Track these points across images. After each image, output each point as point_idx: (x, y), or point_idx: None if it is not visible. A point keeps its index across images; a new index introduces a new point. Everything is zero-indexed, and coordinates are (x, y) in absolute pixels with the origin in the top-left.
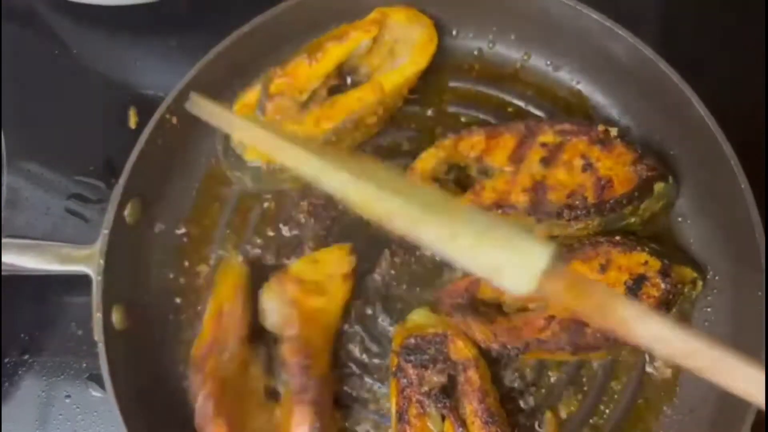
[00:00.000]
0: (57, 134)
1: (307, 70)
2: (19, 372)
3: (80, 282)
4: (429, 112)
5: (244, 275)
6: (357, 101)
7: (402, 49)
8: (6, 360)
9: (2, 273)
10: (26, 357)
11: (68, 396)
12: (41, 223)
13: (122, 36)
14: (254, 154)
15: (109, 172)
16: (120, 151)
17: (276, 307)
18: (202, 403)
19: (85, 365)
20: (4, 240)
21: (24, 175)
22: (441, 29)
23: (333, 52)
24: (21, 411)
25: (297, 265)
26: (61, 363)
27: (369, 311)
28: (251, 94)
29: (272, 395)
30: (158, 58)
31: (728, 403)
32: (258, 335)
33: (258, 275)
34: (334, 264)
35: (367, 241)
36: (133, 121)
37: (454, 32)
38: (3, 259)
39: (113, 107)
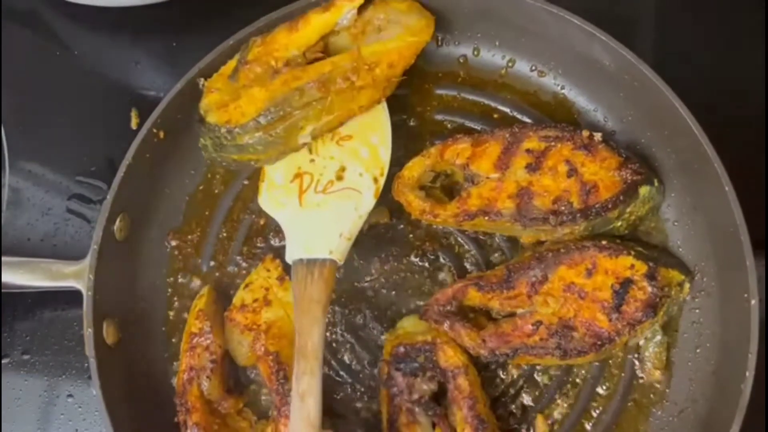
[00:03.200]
0: (58, 135)
1: (286, 39)
2: (20, 372)
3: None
4: (415, 120)
5: (211, 302)
6: (329, 64)
7: (392, 29)
8: (7, 360)
9: None
10: (27, 357)
11: (70, 395)
12: (42, 224)
13: (123, 37)
14: (215, 117)
15: (110, 173)
16: (121, 152)
17: (237, 339)
18: None
19: (86, 365)
20: None
21: (25, 176)
22: None
23: (314, 21)
24: (22, 411)
25: (236, 296)
26: (63, 362)
27: (359, 319)
28: (230, 65)
29: (262, 415)
30: (159, 59)
31: (718, 405)
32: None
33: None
34: (264, 276)
35: (358, 249)
36: (134, 122)
37: (438, 40)
38: None
39: (114, 108)
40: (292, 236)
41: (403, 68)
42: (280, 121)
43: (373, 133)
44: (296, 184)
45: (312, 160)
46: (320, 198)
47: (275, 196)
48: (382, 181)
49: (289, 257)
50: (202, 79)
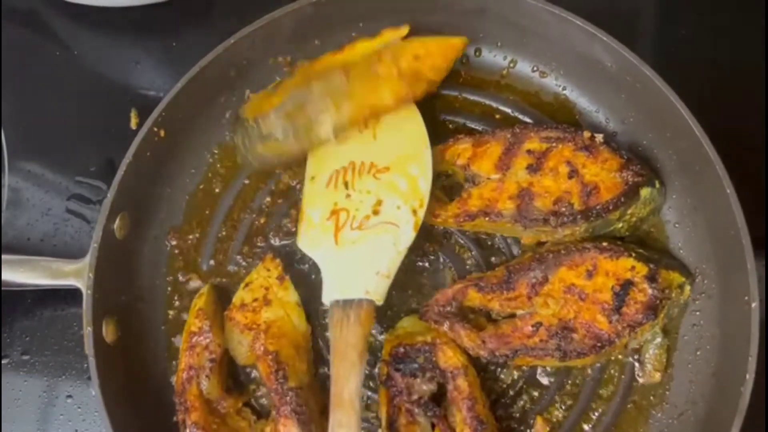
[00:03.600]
0: (58, 135)
1: (330, 60)
2: (20, 372)
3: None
4: None
5: (211, 301)
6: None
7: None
8: (6, 360)
9: None
10: (27, 357)
11: (69, 396)
12: (42, 224)
13: (123, 37)
14: (247, 113)
15: (109, 173)
16: (121, 152)
17: (236, 338)
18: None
19: (86, 365)
20: None
21: (25, 176)
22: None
23: (359, 47)
24: (21, 411)
25: (236, 296)
26: (63, 363)
27: None
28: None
29: (261, 415)
30: (159, 59)
31: (717, 407)
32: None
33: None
34: (264, 276)
35: None
36: (134, 122)
37: None
38: None
39: (114, 108)
40: (328, 276)
41: (432, 68)
42: (300, 109)
43: (411, 163)
44: (332, 221)
45: (348, 196)
46: (356, 235)
47: (312, 236)
48: (421, 213)
49: (326, 298)
50: (248, 90)
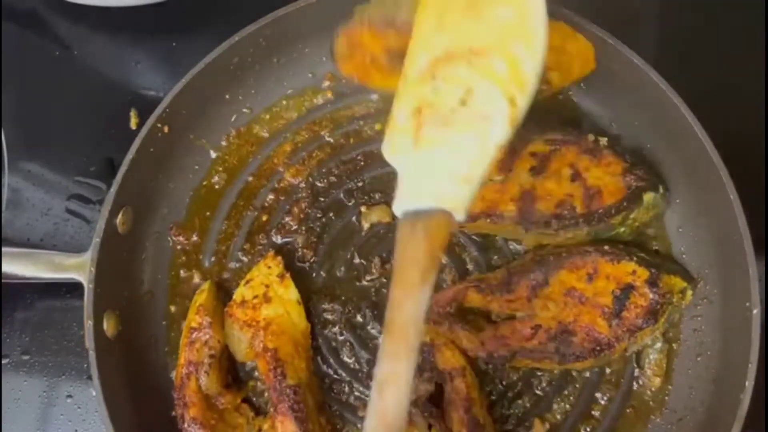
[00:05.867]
0: (58, 135)
1: None
2: (20, 372)
3: (80, 284)
4: None
5: (211, 297)
6: None
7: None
8: (6, 360)
9: None
10: (27, 357)
11: (69, 396)
12: (42, 224)
13: (123, 37)
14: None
15: (109, 173)
16: (121, 152)
17: (236, 335)
18: (189, 427)
19: (86, 365)
20: None
21: (25, 176)
22: None
23: None
24: (21, 411)
25: (237, 292)
26: (63, 363)
27: (359, 318)
28: None
29: (259, 411)
30: (159, 59)
31: (717, 413)
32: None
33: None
34: (264, 273)
35: (359, 247)
36: (134, 122)
37: None
38: None
39: (114, 108)
40: (402, 185)
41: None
42: None
43: (516, 40)
44: (415, 120)
45: (435, 89)
46: (438, 133)
47: (395, 141)
48: (522, 103)
49: (396, 210)
50: None
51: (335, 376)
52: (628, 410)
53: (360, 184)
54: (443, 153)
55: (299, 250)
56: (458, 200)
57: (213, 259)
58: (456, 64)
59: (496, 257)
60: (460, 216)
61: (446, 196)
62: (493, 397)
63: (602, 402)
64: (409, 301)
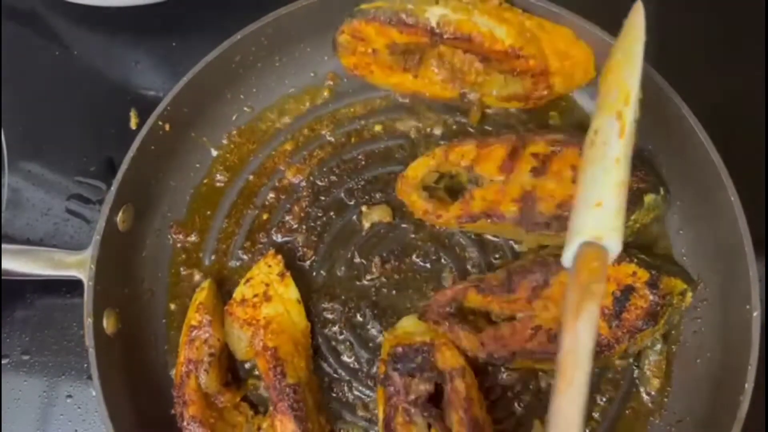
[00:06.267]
0: (58, 135)
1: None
2: (20, 372)
3: (80, 283)
4: (422, 121)
5: (211, 296)
6: None
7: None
8: (6, 360)
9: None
10: (27, 357)
11: (69, 396)
12: (42, 224)
13: (123, 37)
14: None
15: (109, 173)
16: (120, 152)
17: (236, 333)
18: (188, 426)
19: (86, 365)
20: None
21: (25, 176)
22: None
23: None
24: (21, 411)
25: (237, 291)
26: (62, 363)
27: (359, 317)
28: None
29: (258, 410)
30: (159, 59)
31: (716, 415)
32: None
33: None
34: (265, 271)
35: (359, 246)
36: (133, 122)
37: None
38: None
39: (114, 108)
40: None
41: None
42: None
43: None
44: None
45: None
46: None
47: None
48: (628, 114)
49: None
50: None
51: (335, 376)
52: (627, 411)
53: (361, 183)
54: None
55: (299, 249)
56: (602, 227)
57: (213, 257)
58: None
59: (496, 257)
60: (611, 247)
61: (589, 228)
62: (493, 398)
63: (602, 403)
64: (576, 327)
